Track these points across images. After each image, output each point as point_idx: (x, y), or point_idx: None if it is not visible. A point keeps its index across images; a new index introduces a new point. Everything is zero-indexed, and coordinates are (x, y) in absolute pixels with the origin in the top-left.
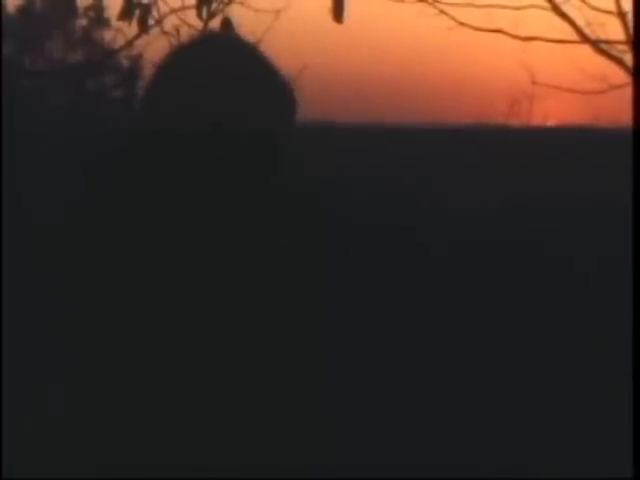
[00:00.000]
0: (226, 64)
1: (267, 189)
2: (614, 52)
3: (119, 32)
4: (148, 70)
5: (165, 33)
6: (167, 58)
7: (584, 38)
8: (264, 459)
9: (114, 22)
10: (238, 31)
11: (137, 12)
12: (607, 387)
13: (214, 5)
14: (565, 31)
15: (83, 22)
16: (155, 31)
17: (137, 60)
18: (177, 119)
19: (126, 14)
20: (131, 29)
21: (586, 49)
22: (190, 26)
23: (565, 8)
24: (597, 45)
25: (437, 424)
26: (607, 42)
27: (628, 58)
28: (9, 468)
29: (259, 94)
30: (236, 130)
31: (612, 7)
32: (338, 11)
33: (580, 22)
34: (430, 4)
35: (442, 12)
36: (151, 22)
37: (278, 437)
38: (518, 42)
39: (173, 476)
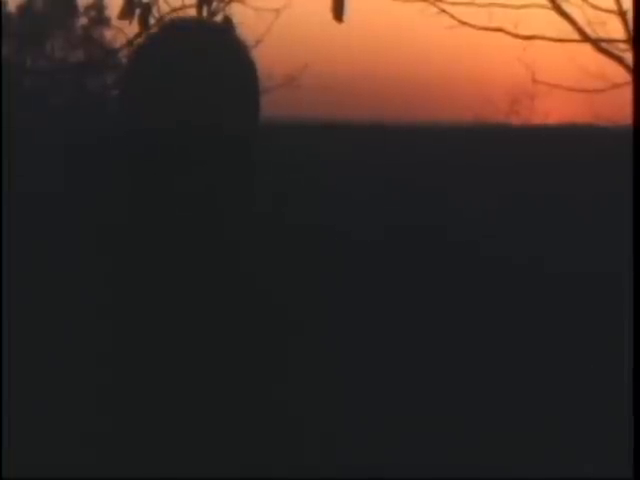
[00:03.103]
0: (184, 55)
1: (236, 184)
2: (614, 51)
3: (120, 31)
4: None
5: None
6: (130, 55)
7: (585, 37)
8: (264, 460)
9: (115, 21)
10: (236, 27)
11: (138, 11)
12: (607, 388)
13: (214, 4)
14: (566, 30)
15: (84, 21)
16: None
17: None
18: (143, 116)
19: (127, 13)
20: (132, 28)
21: (587, 48)
22: None
23: (566, 7)
24: (597, 44)
25: (439, 425)
26: (607, 41)
27: (628, 57)
28: (9, 468)
29: (217, 85)
30: (193, 123)
31: (612, 6)
32: (338, 10)
33: (581, 21)
34: (431, 3)
35: (443, 11)
36: (152, 21)
37: (278, 439)
38: (519, 41)
39: (172, 476)
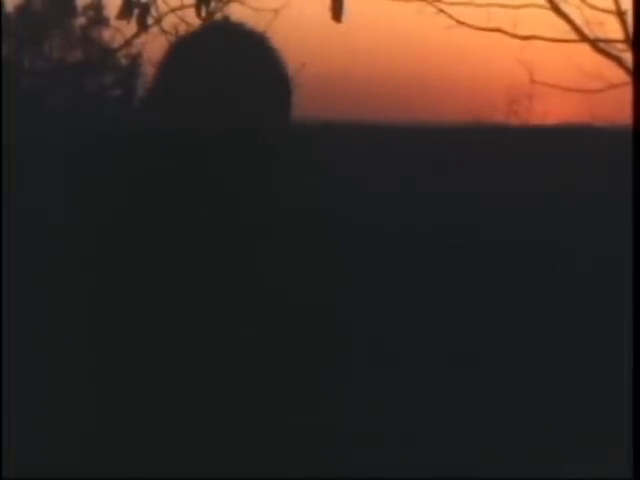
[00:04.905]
0: (224, 58)
1: (264, 187)
2: (613, 51)
3: (118, 31)
4: (147, 69)
5: (164, 32)
6: (166, 54)
7: (583, 37)
8: (264, 460)
9: (113, 21)
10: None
11: (136, 11)
12: (607, 388)
13: (213, 4)
14: (564, 30)
15: (82, 21)
16: (154, 30)
17: (136, 59)
18: (176, 116)
19: (125, 13)
20: (130, 28)
21: (585, 48)
22: (189, 25)
23: (564, 7)
24: (596, 44)
25: (441, 425)
26: (606, 41)
27: (627, 57)
28: (9, 468)
29: (252, 90)
30: (227, 126)
31: (611, 6)
32: (337, 10)
33: (579, 21)
34: (429, 3)
35: (441, 11)
36: (150, 21)
37: (277, 438)
38: (517, 41)
39: (172, 476)
